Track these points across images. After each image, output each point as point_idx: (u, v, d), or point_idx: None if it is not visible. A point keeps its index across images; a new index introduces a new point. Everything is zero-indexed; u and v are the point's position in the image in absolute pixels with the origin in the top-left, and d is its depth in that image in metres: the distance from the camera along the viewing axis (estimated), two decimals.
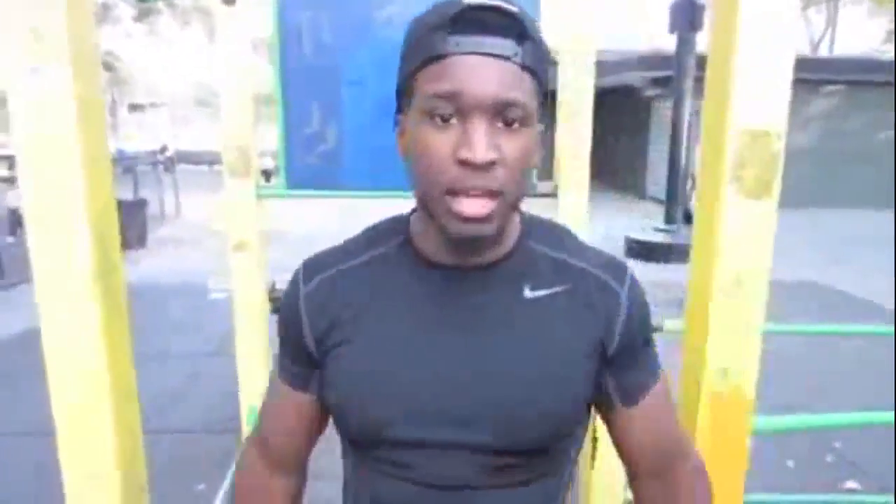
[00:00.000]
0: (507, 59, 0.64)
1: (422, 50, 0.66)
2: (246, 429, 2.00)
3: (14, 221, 6.99)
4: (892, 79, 12.62)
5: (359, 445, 0.77)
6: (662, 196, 10.18)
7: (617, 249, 8.55)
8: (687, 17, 8.39)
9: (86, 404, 1.14)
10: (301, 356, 0.79)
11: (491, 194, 0.65)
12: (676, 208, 9.20)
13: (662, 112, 13.50)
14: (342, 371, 0.75)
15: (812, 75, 12.46)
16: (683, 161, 9.00)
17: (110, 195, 1.16)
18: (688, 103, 8.73)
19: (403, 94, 0.71)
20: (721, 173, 1.14)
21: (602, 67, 2.80)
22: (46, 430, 1.20)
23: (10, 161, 11.03)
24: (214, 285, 2.63)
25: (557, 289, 0.75)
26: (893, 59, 13.67)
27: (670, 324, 1.77)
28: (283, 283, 1.08)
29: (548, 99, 0.71)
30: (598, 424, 1.70)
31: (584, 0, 2.47)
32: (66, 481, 1.17)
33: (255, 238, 2.53)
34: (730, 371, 1.21)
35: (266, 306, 2.19)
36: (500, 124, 0.65)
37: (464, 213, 0.65)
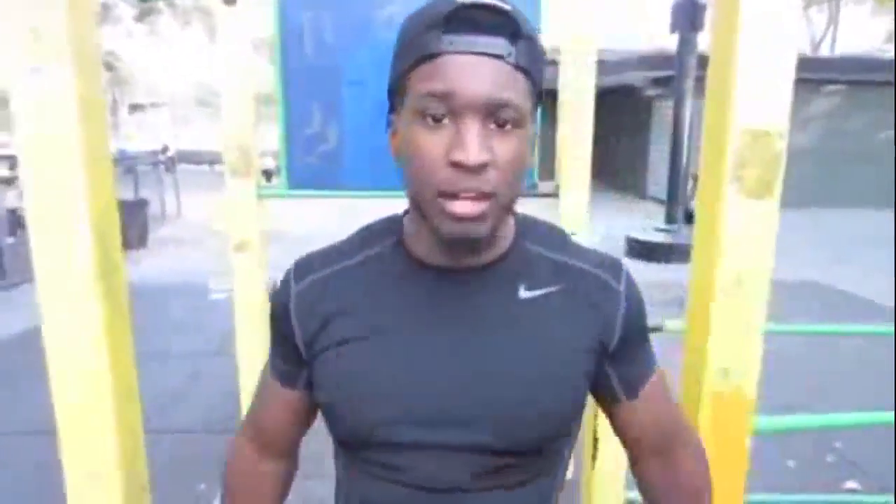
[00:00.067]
0: (500, 58, 0.63)
1: (414, 49, 0.65)
2: None
3: (14, 221, 6.99)
4: (892, 78, 12.62)
5: (349, 446, 0.77)
6: (663, 196, 10.18)
7: (618, 249, 8.55)
8: (688, 17, 8.39)
9: (87, 404, 1.14)
10: (290, 354, 0.79)
11: (483, 196, 0.64)
12: (677, 208, 9.20)
13: (663, 112, 13.50)
14: (334, 372, 0.75)
15: (813, 75, 12.46)
16: (684, 161, 9.01)
17: (112, 195, 1.16)
18: (689, 103, 8.74)
19: (396, 93, 0.70)
20: (722, 173, 1.14)
21: (603, 67, 2.80)
22: (48, 429, 1.21)
23: (10, 161, 11.03)
24: (215, 285, 2.63)
25: (553, 288, 0.75)
26: (894, 58, 13.63)
27: (671, 324, 1.77)
28: None
29: (542, 99, 0.71)
30: (599, 424, 1.70)
31: (585, 0, 2.47)
32: (67, 481, 1.17)
33: (256, 238, 2.53)
34: (731, 371, 1.21)
35: (267, 306, 2.19)
36: (492, 125, 0.64)
37: (456, 212, 0.64)
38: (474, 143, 0.62)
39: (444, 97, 0.63)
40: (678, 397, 1.33)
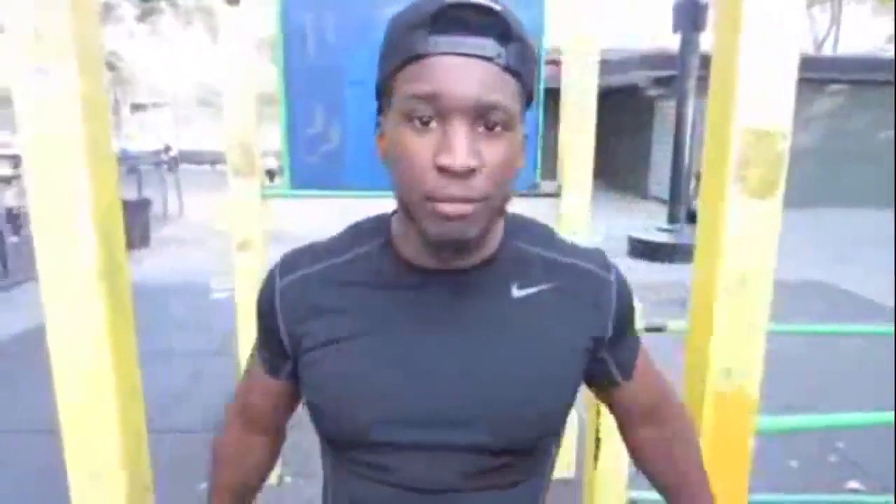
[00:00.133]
0: (489, 60, 0.62)
1: (401, 49, 0.64)
2: None
3: (12, 221, 7.00)
4: (892, 78, 12.60)
5: (338, 446, 0.76)
6: (665, 196, 10.17)
7: (620, 249, 8.54)
8: (690, 17, 8.39)
9: (91, 404, 1.14)
10: (274, 347, 0.79)
11: (471, 201, 0.63)
12: (679, 208, 9.20)
13: (665, 111, 13.50)
14: (322, 372, 0.74)
15: (816, 74, 12.44)
16: (687, 160, 9.00)
17: (115, 195, 1.16)
18: (691, 103, 8.74)
19: (383, 94, 0.69)
20: (725, 173, 1.14)
21: (605, 67, 2.79)
22: (50, 428, 1.21)
23: (12, 161, 11.04)
24: (217, 285, 2.64)
25: (545, 286, 0.75)
26: (894, 58, 13.60)
27: (674, 324, 1.77)
28: None
29: (532, 100, 0.70)
30: (601, 424, 1.70)
31: (588, 0, 2.47)
32: (70, 481, 1.17)
33: (258, 237, 2.53)
34: (734, 371, 1.21)
35: None
36: (481, 128, 0.63)
37: (444, 212, 0.63)
38: (462, 148, 0.61)
39: (431, 99, 0.61)
40: (680, 397, 1.32)
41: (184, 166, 18.88)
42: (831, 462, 3.09)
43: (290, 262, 0.78)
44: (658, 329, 1.73)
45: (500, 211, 0.69)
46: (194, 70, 37.64)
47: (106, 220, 1.11)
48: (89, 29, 1.05)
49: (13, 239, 6.88)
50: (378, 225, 0.79)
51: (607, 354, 0.80)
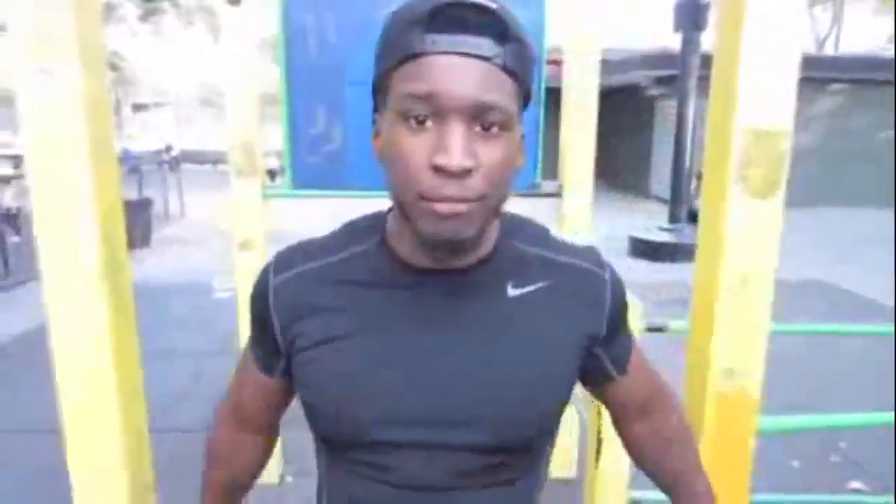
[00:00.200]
0: (486, 59, 0.61)
1: (397, 47, 0.63)
2: None
3: (11, 220, 7.00)
4: (893, 77, 12.58)
5: (335, 445, 0.76)
6: (666, 195, 10.16)
7: (621, 249, 8.54)
8: (691, 16, 8.38)
9: (92, 404, 1.14)
10: (267, 344, 0.79)
11: (466, 201, 0.63)
12: (681, 207, 9.19)
13: (666, 111, 13.49)
14: (318, 371, 0.73)
15: (817, 74, 12.43)
16: (688, 160, 9.00)
17: (117, 195, 1.16)
18: (692, 102, 8.72)
19: (379, 92, 0.68)
20: (727, 173, 1.13)
21: (606, 66, 2.79)
22: (52, 428, 1.21)
23: (14, 160, 11.05)
24: (219, 285, 2.64)
25: (541, 284, 0.75)
26: (894, 58, 13.56)
27: (675, 324, 1.77)
28: None
29: (530, 100, 0.69)
30: (603, 424, 1.70)
31: (589, 0, 2.47)
32: (73, 480, 1.17)
33: (260, 237, 2.54)
34: (735, 371, 1.21)
35: None
36: (478, 128, 0.62)
37: (440, 211, 0.62)
38: (457, 148, 0.61)
39: (427, 99, 0.61)
40: (682, 398, 1.32)
41: (185, 166, 18.89)
42: (833, 462, 3.09)
43: (284, 260, 0.78)
44: (659, 329, 1.73)
45: (497, 211, 0.68)
46: (196, 70, 37.69)
47: (108, 220, 1.11)
48: (92, 29, 1.06)
49: (14, 239, 6.89)
50: (373, 223, 0.79)
51: (601, 351, 0.81)
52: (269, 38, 2.53)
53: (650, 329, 1.68)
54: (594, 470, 1.76)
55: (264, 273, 0.78)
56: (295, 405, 0.85)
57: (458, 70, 0.61)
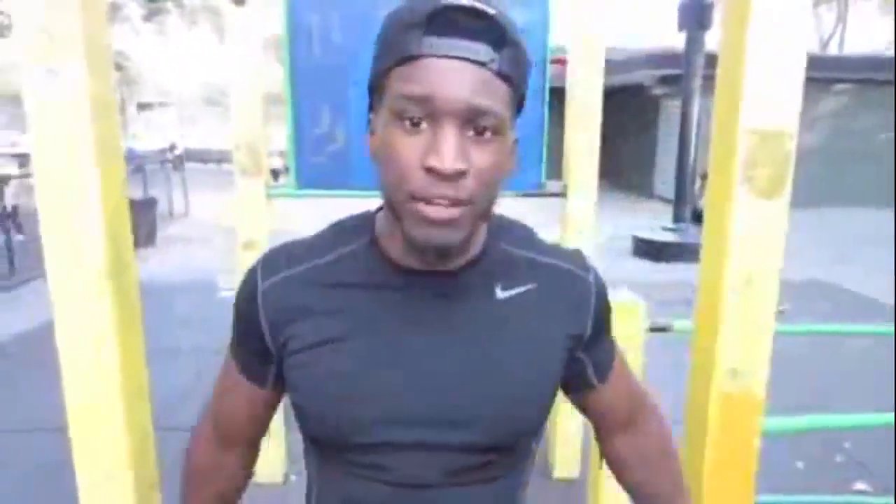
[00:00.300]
0: (482, 65, 0.62)
1: (395, 48, 0.63)
2: None
3: (12, 219, 7.02)
4: (893, 78, 12.54)
5: (329, 447, 0.76)
6: (670, 195, 10.15)
7: (625, 249, 8.53)
8: (696, 16, 8.37)
9: (98, 403, 1.15)
10: (257, 352, 0.78)
11: (458, 202, 0.63)
12: (685, 207, 9.18)
13: (671, 111, 13.46)
14: (312, 374, 0.73)
15: (821, 74, 12.39)
16: (692, 160, 8.98)
17: (123, 194, 1.17)
18: (696, 102, 8.71)
19: (375, 91, 0.68)
20: (733, 173, 1.13)
21: (610, 66, 2.79)
22: (58, 426, 1.21)
23: (19, 160, 11.09)
24: (224, 283, 2.64)
25: (529, 286, 0.76)
26: (894, 58, 13.49)
27: (679, 324, 1.76)
28: None
29: (524, 105, 0.70)
30: None
31: (593, 0, 2.47)
32: (78, 480, 1.18)
33: (264, 237, 2.54)
34: (740, 372, 1.20)
35: None
36: (471, 132, 0.63)
37: (429, 216, 0.63)
38: (451, 150, 0.61)
39: (423, 101, 0.61)
40: (686, 398, 1.32)
41: (189, 165, 18.90)
42: (838, 463, 3.08)
43: (271, 263, 0.77)
44: (663, 329, 1.73)
45: (485, 215, 0.69)
46: (200, 69, 37.76)
47: (114, 220, 1.12)
48: (98, 29, 1.06)
49: (18, 237, 6.91)
50: (362, 223, 0.79)
51: (584, 356, 0.81)
52: (273, 37, 2.53)
53: (654, 329, 1.68)
54: (598, 470, 1.76)
55: (251, 277, 0.77)
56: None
57: (454, 74, 0.61)
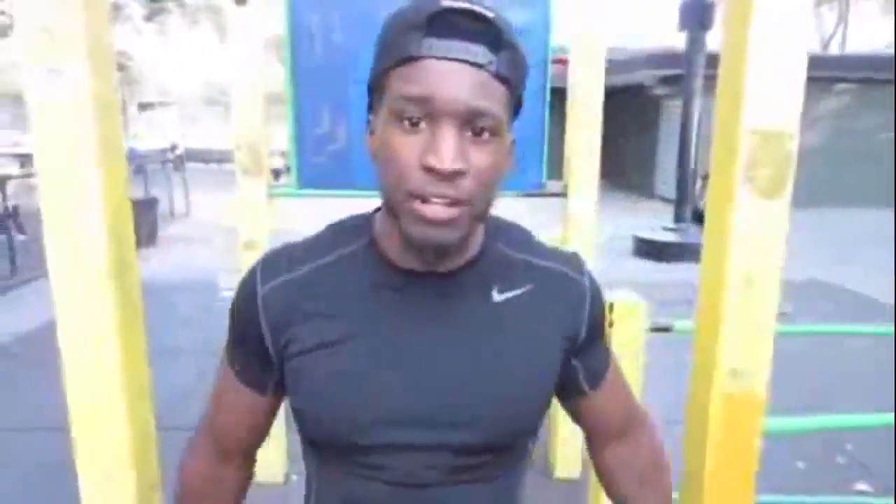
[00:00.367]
0: (480, 67, 0.63)
1: (395, 49, 0.64)
2: None
3: (13, 218, 7.02)
4: (893, 77, 12.52)
5: (329, 448, 0.76)
6: (671, 195, 10.14)
7: (625, 249, 8.52)
8: (697, 16, 8.36)
9: (100, 402, 1.15)
10: (257, 358, 0.77)
11: (456, 202, 0.64)
12: (686, 207, 9.17)
13: (672, 111, 13.45)
14: (313, 376, 0.73)
15: (822, 73, 12.38)
16: (693, 160, 8.97)
17: (125, 194, 1.17)
18: (697, 102, 8.70)
19: (374, 91, 0.69)
20: (734, 173, 1.13)
21: (611, 66, 2.79)
22: (58, 426, 1.21)
23: (21, 159, 11.10)
24: (225, 283, 2.64)
25: (525, 288, 0.77)
26: (894, 58, 13.47)
27: (680, 324, 1.76)
28: None
29: (521, 107, 0.71)
30: None
31: (594, 0, 2.47)
32: (80, 480, 1.18)
33: (265, 237, 2.54)
34: (741, 372, 1.20)
35: None
36: (469, 133, 0.64)
37: (427, 216, 0.64)
38: (449, 151, 0.62)
39: (422, 102, 0.62)
40: (687, 398, 1.32)
41: (190, 164, 18.91)
42: (839, 463, 3.08)
43: (270, 267, 0.77)
44: (664, 329, 1.73)
45: (483, 215, 0.70)
46: (201, 69, 37.78)
47: (116, 219, 1.12)
48: (100, 29, 1.06)
49: (20, 237, 6.92)
50: (361, 224, 0.79)
51: (578, 361, 0.82)
52: (274, 37, 2.53)
53: (655, 329, 1.68)
54: None
55: (250, 280, 0.76)
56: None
57: (453, 76, 0.62)
